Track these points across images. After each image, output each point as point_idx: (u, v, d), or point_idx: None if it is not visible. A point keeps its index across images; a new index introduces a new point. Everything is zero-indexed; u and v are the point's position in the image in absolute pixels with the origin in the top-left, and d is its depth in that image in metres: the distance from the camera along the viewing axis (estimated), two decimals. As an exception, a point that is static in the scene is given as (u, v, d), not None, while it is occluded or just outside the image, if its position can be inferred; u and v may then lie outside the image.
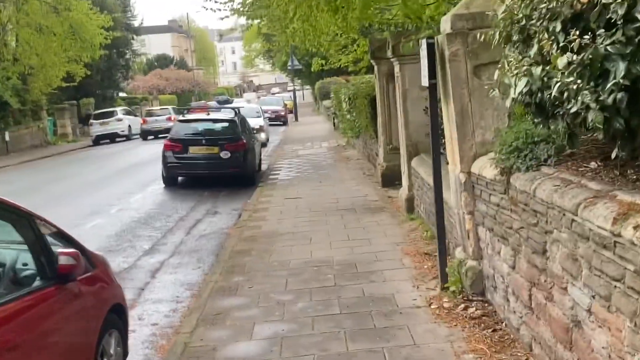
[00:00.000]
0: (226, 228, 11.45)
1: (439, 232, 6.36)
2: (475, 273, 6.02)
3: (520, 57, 4.32)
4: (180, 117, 16.91)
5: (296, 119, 43.29)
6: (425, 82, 6.34)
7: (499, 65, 4.59)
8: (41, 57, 32.51)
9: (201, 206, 13.71)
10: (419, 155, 10.24)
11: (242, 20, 16.60)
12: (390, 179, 13.30)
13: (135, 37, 49.04)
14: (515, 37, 4.39)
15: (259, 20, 16.89)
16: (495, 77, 4.60)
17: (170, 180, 16.24)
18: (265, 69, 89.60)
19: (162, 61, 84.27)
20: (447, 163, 6.51)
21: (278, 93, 75.03)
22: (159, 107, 44.37)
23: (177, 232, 11.33)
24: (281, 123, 41.50)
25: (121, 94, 56.79)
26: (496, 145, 5.74)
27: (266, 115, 40.17)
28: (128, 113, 38.86)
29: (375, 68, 13.49)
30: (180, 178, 16.53)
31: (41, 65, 32.99)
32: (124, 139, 35.64)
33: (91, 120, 36.17)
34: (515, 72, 4.17)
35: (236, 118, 16.46)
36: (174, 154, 15.78)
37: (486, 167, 5.54)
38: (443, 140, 6.85)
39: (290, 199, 13.06)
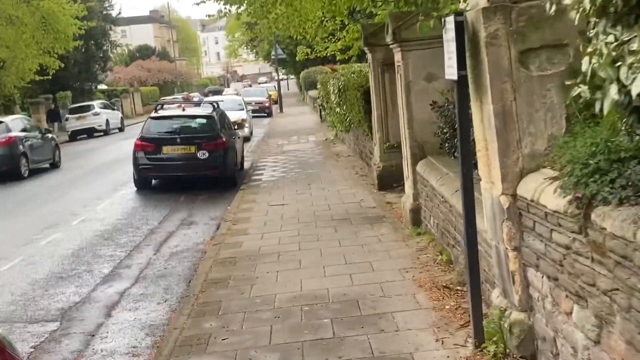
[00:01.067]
0: (202, 243, 9.85)
1: (472, 276, 4.76)
2: (524, 330, 4.46)
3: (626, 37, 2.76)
4: (153, 114, 15.23)
5: (281, 110, 41.61)
6: (452, 74, 4.73)
7: (589, 50, 3.00)
8: (12, 49, 30.56)
9: (175, 215, 12.07)
10: (425, 158, 8.65)
11: (222, 6, 14.70)
12: (388, 181, 11.74)
13: (113, 27, 46.90)
14: (619, 6, 2.80)
15: (237, 6, 15.18)
16: (584, 66, 3.00)
17: (142, 184, 14.57)
18: (249, 59, 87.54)
19: (144, 52, 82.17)
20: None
21: (265, 83, 73.01)
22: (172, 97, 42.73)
23: (144, 249, 9.70)
24: (265, 114, 39.80)
25: (101, 87, 54.81)
26: (554, 158, 4.17)
27: (249, 107, 38.60)
28: (106, 107, 36.96)
29: (369, 56, 11.87)
30: (154, 180, 14.86)
31: (12, 58, 31.06)
32: (102, 134, 33.82)
33: (67, 115, 34.31)
34: (630, 61, 2.59)
35: (214, 114, 14.79)
36: (145, 155, 14.10)
37: (545, 192, 3.95)
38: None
39: (275, 206, 11.45)
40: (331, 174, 14.42)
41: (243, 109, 26.32)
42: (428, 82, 8.67)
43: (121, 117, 37.97)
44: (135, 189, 14.65)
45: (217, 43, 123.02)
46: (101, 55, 45.21)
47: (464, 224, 4.84)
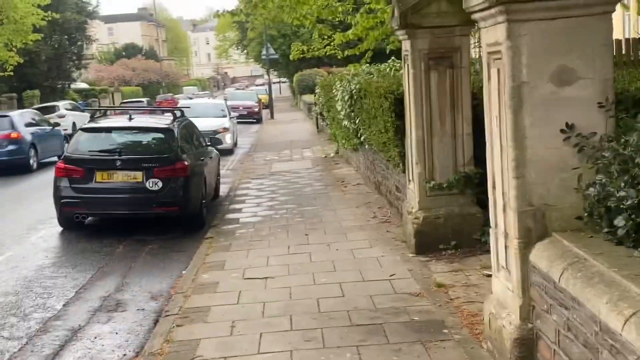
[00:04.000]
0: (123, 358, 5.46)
1: None
2: None
3: None
4: (85, 124, 10.81)
5: (272, 116, 37.17)
6: None
7: None
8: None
9: (99, 284, 7.67)
10: (548, 237, 4.25)
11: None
12: (431, 241, 7.42)
13: (89, 21, 42.27)
14: None
15: None
16: None
17: (68, 223, 10.13)
18: (240, 60, 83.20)
19: (130, 51, 77.76)
20: None
21: (262, 85, 68.17)
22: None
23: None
24: (254, 120, 35.38)
25: (80, 85, 50.23)
26: None
27: (237, 111, 34.12)
28: (74, 108, 32.39)
29: (406, 46, 7.51)
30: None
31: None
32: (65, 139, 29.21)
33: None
34: None
35: (174, 126, 10.35)
36: (71, 184, 9.66)
37: None
38: None
39: (254, 281, 7.02)
40: (338, 216, 10.00)
41: (226, 116, 21.87)
42: (559, 86, 4.26)
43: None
44: (61, 228, 10.24)
45: (207, 43, 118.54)
46: (75, 51, 40.54)
47: None
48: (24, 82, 36.19)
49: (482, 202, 6.43)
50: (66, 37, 39.10)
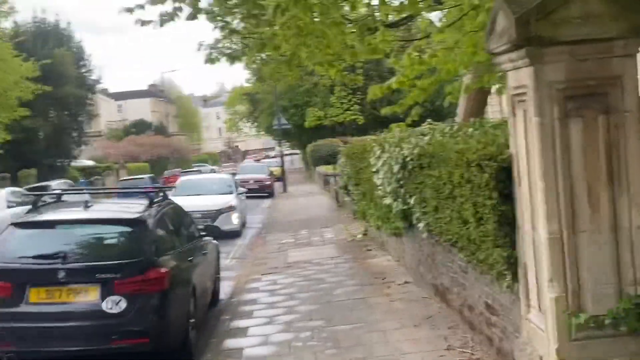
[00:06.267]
0: None
1: None
2: None
3: None
4: (21, 217, 7.61)
5: (285, 190, 34.01)
6: None
7: None
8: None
9: None
10: None
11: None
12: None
13: (90, 95, 39.82)
14: None
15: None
16: None
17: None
18: (250, 133, 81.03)
19: (140, 127, 75.80)
20: None
21: (274, 157, 65.04)
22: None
23: None
24: (266, 194, 32.19)
25: (86, 163, 47.61)
26: None
27: (248, 185, 31.01)
28: (71, 187, 29.39)
29: (524, 77, 4.29)
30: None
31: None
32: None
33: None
34: None
35: (148, 215, 7.06)
36: (-9, 307, 6.37)
37: None
38: None
39: None
40: (392, 344, 6.56)
41: (232, 192, 18.66)
42: None
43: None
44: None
45: (218, 118, 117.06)
46: (75, 127, 37.91)
47: None
48: (19, 160, 33.46)
49: None
50: (66, 112, 36.55)
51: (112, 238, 6.89)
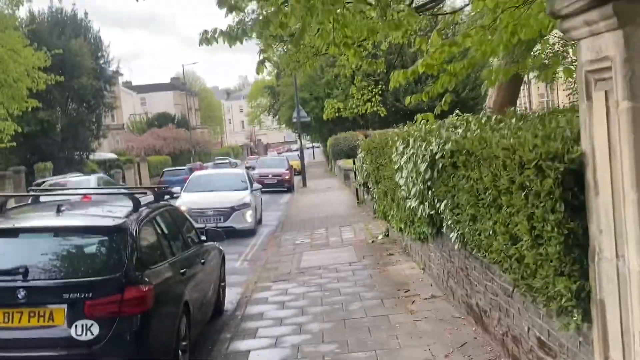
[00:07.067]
0: None
1: None
2: None
3: None
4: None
5: (304, 184, 32.85)
6: None
7: None
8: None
9: None
10: None
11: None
12: None
13: (108, 87, 38.88)
14: None
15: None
16: None
17: None
18: (272, 126, 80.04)
19: (162, 120, 75.12)
20: None
21: (296, 150, 64.21)
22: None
23: None
24: (285, 189, 31.09)
25: (107, 156, 46.86)
26: None
27: (267, 180, 29.96)
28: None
29: (606, 46, 3.05)
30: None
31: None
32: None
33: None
34: None
35: (130, 221, 5.90)
36: None
37: None
38: None
39: None
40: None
41: (247, 188, 17.52)
42: None
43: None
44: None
45: (241, 111, 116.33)
46: (93, 119, 37.02)
47: None
48: (35, 153, 32.66)
49: None
50: (85, 105, 35.68)
51: (85, 250, 5.73)
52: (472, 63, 7.49)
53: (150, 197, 7.10)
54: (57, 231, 5.78)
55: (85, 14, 43.38)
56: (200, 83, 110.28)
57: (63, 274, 5.49)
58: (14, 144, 25.57)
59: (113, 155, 48.75)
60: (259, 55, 6.98)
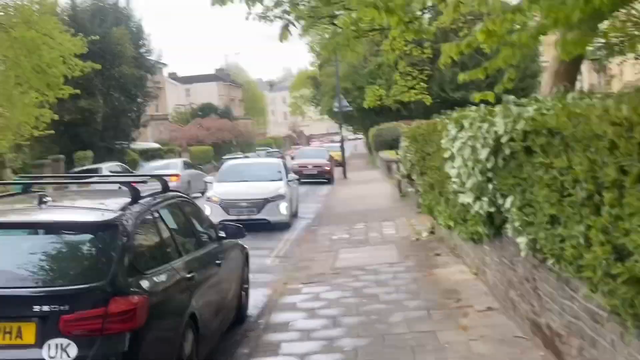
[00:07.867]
0: None
1: None
2: None
3: None
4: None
5: (345, 176, 31.63)
6: None
7: None
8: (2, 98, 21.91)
9: None
10: None
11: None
12: None
13: (150, 76, 38.26)
14: None
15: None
16: None
17: None
18: (314, 117, 79.01)
19: (206, 110, 74.93)
20: None
21: (338, 142, 63.09)
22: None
23: None
24: (325, 180, 29.96)
25: (151, 145, 46.60)
26: None
27: (307, 171, 28.93)
28: (125, 171, 27.90)
29: None
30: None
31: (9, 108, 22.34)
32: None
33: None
34: None
35: (124, 217, 4.80)
36: None
37: None
38: None
39: None
40: None
41: (282, 179, 16.42)
42: None
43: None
44: None
45: (284, 102, 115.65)
46: (135, 108, 36.46)
47: None
48: (75, 142, 32.25)
49: None
50: (126, 94, 35.10)
51: (64, 251, 4.66)
52: (541, 31, 6.18)
53: (157, 186, 6.01)
54: (31, 228, 4.72)
55: (127, 1, 42.92)
56: (244, 75, 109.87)
57: (34, 281, 4.42)
58: (53, 132, 25.10)
59: (155, 145, 48.47)
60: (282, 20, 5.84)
